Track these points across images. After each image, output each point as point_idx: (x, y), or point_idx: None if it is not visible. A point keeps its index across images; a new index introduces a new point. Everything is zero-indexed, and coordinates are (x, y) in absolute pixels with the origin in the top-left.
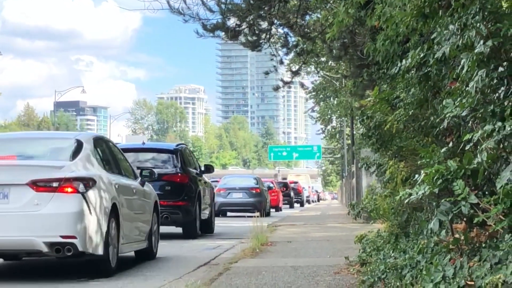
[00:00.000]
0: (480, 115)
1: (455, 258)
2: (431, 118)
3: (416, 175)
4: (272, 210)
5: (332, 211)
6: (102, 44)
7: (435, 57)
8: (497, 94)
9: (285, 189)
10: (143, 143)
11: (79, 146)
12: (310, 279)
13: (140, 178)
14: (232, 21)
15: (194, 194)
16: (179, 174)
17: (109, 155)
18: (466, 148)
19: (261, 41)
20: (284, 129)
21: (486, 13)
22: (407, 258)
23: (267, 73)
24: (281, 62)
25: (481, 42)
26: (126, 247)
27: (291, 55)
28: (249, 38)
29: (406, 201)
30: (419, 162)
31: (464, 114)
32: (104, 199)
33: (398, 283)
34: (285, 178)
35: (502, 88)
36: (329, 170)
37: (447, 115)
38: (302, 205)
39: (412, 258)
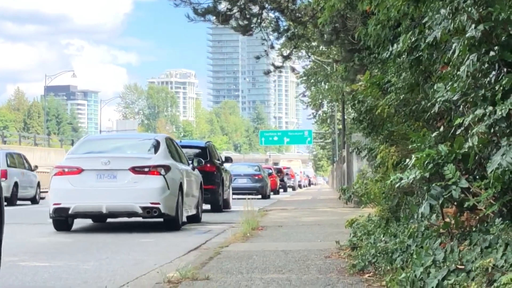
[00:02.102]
0: (471, 100)
1: (445, 242)
2: (422, 103)
3: (407, 160)
4: (271, 193)
5: (323, 196)
6: (93, 29)
7: (427, 41)
8: (488, 79)
9: (279, 174)
10: (181, 141)
11: (158, 144)
12: (301, 263)
13: (192, 165)
14: (223, 5)
15: (219, 180)
16: (208, 165)
17: (174, 149)
18: (457, 133)
19: (252, 26)
20: (275, 113)
21: None
22: (397, 242)
23: (258, 57)
24: (272, 47)
25: (473, 26)
26: (185, 212)
27: (282, 39)
28: (240, 22)
29: (397, 185)
30: (410, 147)
31: (455, 98)
32: (175, 179)
33: (388, 267)
34: (276, 163)
35: (493, 73)
36: (320, 155)
37: (438, 100)
38: (294, 189)
39: (402, 242)
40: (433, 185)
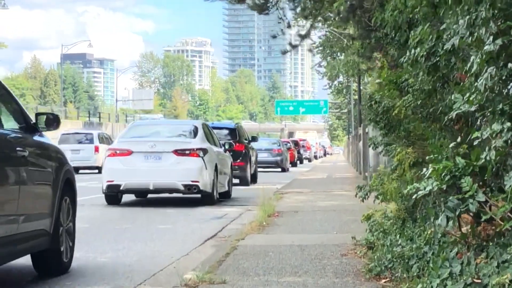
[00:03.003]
0: (488, 114)
1: (461, 252)
2: (439, 105)
3: (424, 169)
4: (289, 165)
5: (338, 173)
6: None
7: (444, 48)
8: (505, 91)
9: (296, 147)
10: (213, 123)
11: (196, 129)
12: (317, 263)
13: (224, 148)
14: None
15: (247, 158)
16: (238, 144)
17: (209, 133)
18: (474, 144)
19: (268, 4)
20: (291, 82)
21: (496, 11)
22: (414, 248)
23: (274, 36)
24: (289, 26)
25: (491, 38)
26: (219, 189)
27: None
28: (256, 1)
29: (414, 196)
30: (426, 147)
31: (472, 109)
32: (211, 160)
33: (405, 274)
34: (292, 133)
35: (511, 85)
36: (336, 125)
37: (455, 109)
38: (310, 161)
39: (419, 248)
40: (450, 197)
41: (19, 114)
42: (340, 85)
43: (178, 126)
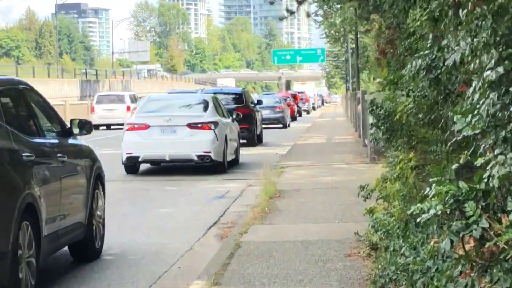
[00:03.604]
0: (491, 141)
1: (465, 272)
2: (441, 113)
3: (427, 189)
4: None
5: (338, 135)
6: None
7: (446, 64)
8: (507, 113)
9: (295, 100)
10: (221, 89)
11: (207, 103)
12: (321, 266)
13: (232, 117)
14: None
15: (253, 120)
16: (244, 108)
17: (218, 105)
18: (477, 165)
19: None
20: (287, 29)
21: (498, 38)
22: (418, 261)
23: (272, 2)
24: None
25: (492, 62)
26: (228, 157)
27: None
28: None
29: (418, 220)
30: (428, 151)
31: (477, 132)
32: (222, 132)
33: None
34: (289, 81)
35: None
36: (333, 72)
37: (457, 135)
38: (308, 113)
39: (422, 262)
40: (454, 223)
41: (55, 120)
42: (337, 34)
43: (190, 100)
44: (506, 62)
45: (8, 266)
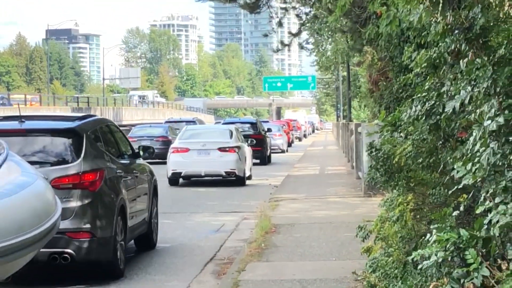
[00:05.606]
0: (492, 190)
1: None
2: (439, 157)
3: (428, 235)
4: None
5: (330, 166)
6: None
7: (445, 111)
8: (507, 162)
9: (289, 128)
10: (240, 119)
11: (231, 132)
12: None
13: (246, 143)
14: None
15: (264, 144)
16: (257, 134)
17: (238, 133)
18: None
19: (259, 4)
20: (278, 56)
21: (498, 88)
22: None
23: (266, 35)
24: (280, 25)
25: (492, 111)
26: (246, 173)
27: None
28: (248, 0)
29: (420, 267)
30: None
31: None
32: (243, 154)
33: None
34: (279, 108)
35: None
36: (324, 99)
37: (457, 183)
38: (300, 140)
39: None
40: (455, 271)
41: (128, 145)
42: (328, 62)
43: (219, 129)
44: (506, 112)
45: (112, 246)
